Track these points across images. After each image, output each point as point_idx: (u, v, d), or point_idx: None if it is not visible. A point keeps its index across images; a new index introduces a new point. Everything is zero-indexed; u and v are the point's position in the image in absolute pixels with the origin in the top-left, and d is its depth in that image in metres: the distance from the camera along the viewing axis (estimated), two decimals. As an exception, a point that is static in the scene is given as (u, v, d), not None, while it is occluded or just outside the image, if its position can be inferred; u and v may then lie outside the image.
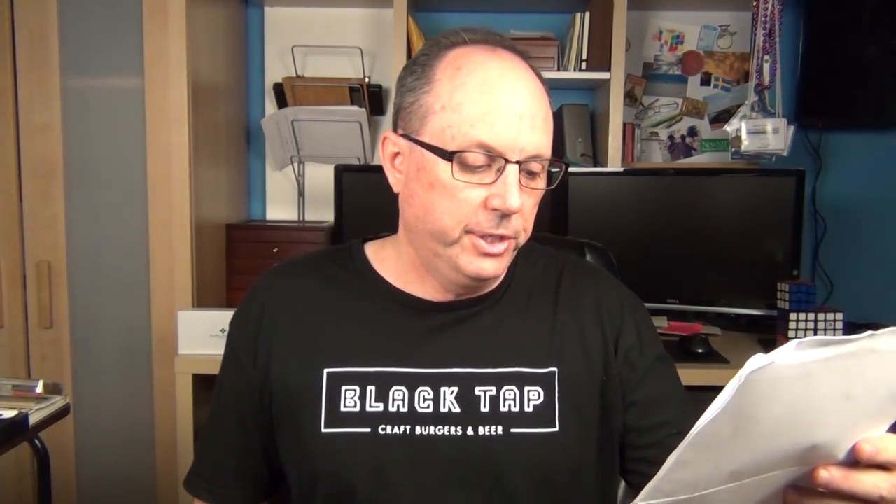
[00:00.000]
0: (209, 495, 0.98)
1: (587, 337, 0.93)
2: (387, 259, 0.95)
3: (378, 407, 0.87)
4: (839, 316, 1.82)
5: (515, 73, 0.83)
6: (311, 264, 0.99)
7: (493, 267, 0.85)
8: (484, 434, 0.86)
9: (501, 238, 0.83)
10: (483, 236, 0.83)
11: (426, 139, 0.83)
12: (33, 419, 1.42)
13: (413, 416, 0.87)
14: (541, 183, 0.85)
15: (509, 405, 0.87)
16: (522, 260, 0.96)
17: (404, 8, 2.16)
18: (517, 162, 0.81)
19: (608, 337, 0.93)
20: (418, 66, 0.86)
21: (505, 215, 0.82)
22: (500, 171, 0.81)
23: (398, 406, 0.87)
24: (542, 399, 0.88)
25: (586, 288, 0.96)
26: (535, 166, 0.83)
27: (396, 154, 0.89)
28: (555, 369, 0.89)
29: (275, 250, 2.22)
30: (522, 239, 0.87)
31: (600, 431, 0.91)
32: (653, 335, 0.98)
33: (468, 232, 0.83)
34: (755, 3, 2.15)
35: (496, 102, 0.81)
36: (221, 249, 2.23)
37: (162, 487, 2.05)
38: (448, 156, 0.81)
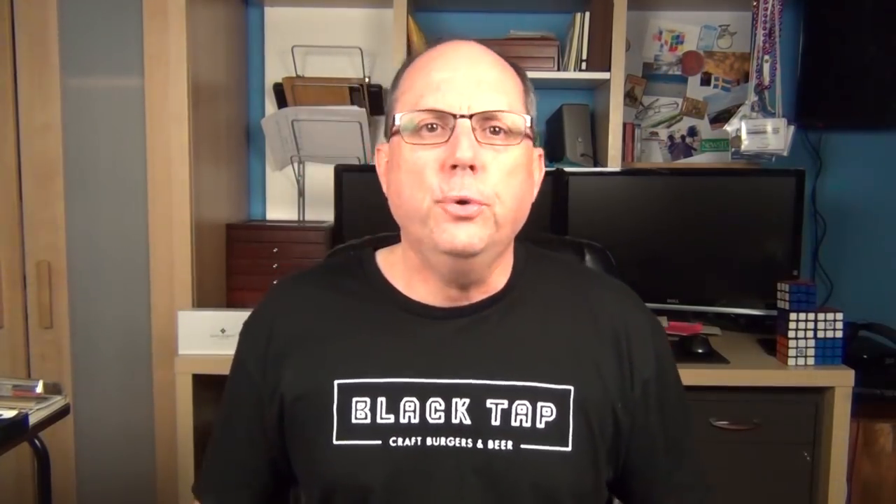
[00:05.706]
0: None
1: (607, 358, 0.90)
2: (395, 264, 0.94)
3: (389, 419, 0.86)
4: (839, 316, 1.81)
5: (467, 48, 0.86)
6: (321, 276, 0.98)
7: (465, 234, 0.80)
8: (493, 448, 0.85)
9: (470, 202, 0.80)
10: (451, 203, 0.81)
11: (392, 128, 0.86)
12: (33, 419, 1.42)
13: (424, 428, 0.85)
14: (511, 141, 0.83)
15: (521, 420, 0.85)
16: (534, 264, 0.95)
17: (404, 8, 2.16)
18: (467, 116, 0.81)
19: (627, 363, 0.91)
20: (396, 77, 0.90)
21: (466, 173, 0.80)
22: (453, 129, 0.81)
23: (409, 417, 0.85)
24: (554, 416, 0.86)
25: (610, 307, 0.93)
26: (497, 123, 0.82)
27: (388, 162, 0.90)
28: (571, 388, 0.87)
29: (275, 250, 2.22)
30: (500, 208, 0.82)
31: (607, 455, 0.90)
32: (671, 365, 0.96)
33: (437, 202, 0.81)
34: (755, 3, 2.15)
35: (444, 74, 0.83)
36: (221, 249, 2.23)
37: (162, 487, 2.05)
38: (397, 126, 0.84)
